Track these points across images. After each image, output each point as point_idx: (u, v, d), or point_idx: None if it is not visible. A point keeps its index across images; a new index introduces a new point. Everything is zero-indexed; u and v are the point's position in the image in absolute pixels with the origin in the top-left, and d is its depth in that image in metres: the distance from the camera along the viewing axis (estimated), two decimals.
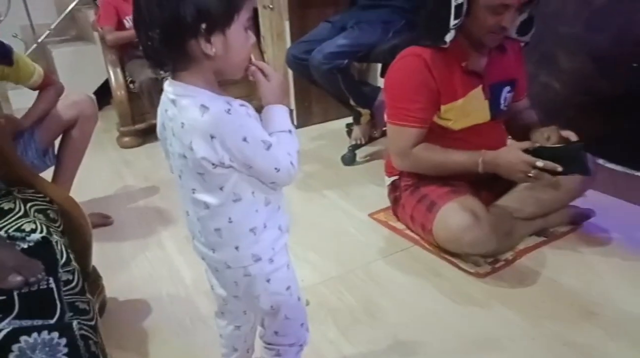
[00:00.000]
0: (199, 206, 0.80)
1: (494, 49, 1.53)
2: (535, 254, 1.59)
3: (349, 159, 2.38)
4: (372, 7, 2.23)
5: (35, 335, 0.64)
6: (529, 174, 1.34)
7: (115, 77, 2.76)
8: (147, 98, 2.62)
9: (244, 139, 0.72)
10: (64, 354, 0.64)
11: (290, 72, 2.71)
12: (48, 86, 1.76)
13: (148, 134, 2.86)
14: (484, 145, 1.50)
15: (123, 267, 1.67)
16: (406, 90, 1.53)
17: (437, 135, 1.55)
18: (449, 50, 1.48)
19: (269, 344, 0.95)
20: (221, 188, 0.77)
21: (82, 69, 3.37)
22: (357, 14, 2.25)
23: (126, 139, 2.83)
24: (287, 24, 2.67)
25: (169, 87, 0.76)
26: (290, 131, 0.80)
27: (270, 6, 2.72)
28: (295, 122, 2.92)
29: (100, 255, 1.48)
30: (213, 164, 0.73)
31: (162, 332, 1.35)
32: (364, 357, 1.23)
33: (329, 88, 2.25)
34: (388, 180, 1.76)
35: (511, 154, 1.38)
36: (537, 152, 1.35)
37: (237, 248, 0.81)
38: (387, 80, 1.61)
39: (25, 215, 1.06)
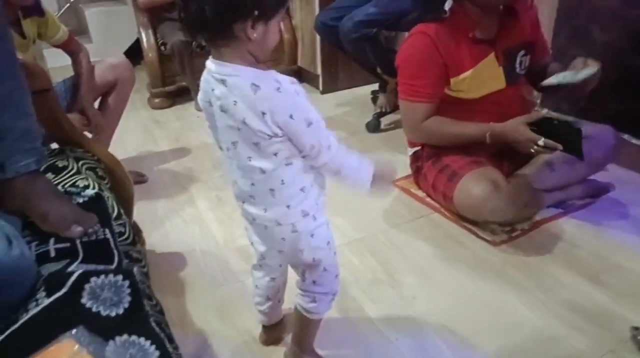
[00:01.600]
0: (254, 172, 0.87)
1: (506, 13, 1.54)
2: (552, 225, 1.64)
3: (374, 126, 2.43)
4: None
5: (102, 277, 0.74)
6: (531, 150, 1.44)
7: (147, 39, 2.82)
8: (178, 60, 2.68)
9: (290, 116, 0.80)
10: (128, 294, 0.74)
11: (317, 38, 2.73)
12: (72, 47, 1.81)
13: (178, 96, 2.95)
14: (503, 114, 1.55)
15: (157, 223, 1.78)
16: (413, 67, 1.60)
17: (455, 106, 1.60)
18: (456, 21, 1.52)
19: (306, 291, 1.05)
20: (275, 154, 0.85)
21: (114, 29, 3.45)
22: None
23: (157, 100, 2.92)
24: None
25: (215, 67, 0.82)
26: (357, 167, 0.93)
27: None
28: (321, 88, 2.96)
29: (136, 211, 1.57)
30: (268, 136, 0.81)
31: (196, 283, 1.47)
32: (383, 314, 1.33)
33: (357, 56, 2.28)
34: (410, 151, 1.82)
35: (517, 129, 1.47)
36: (541, 126, 1.43)
37: (288, 206, 0.90)
38: (397, 58, 1.67)
39: (78, 172, 1.15)
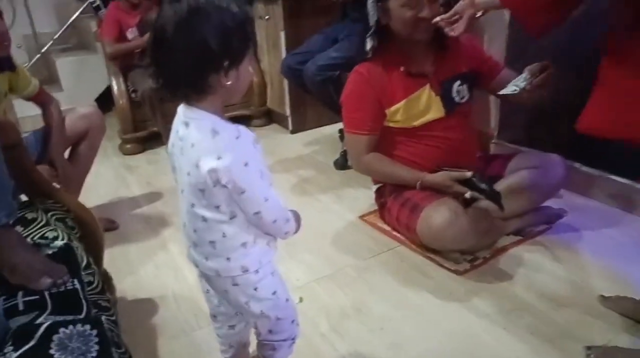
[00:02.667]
0: (197, 219, 0.89)
1: (438, 47, 1.68)
2: (511, 252, 1.72)
3: (341, 164, 2.50)
4: (362, 20, 2.35)
5: (71, 327, 0.77)
6: (457, 198, 1.64)
7: (118, 86, 2.88)
8: (149, 106, 2.74)
9: (245, 164, 0.81)
10: (96, 343, 0.77)
11: (285, 81, 2.84)
12: (43, 99, 1.83)
13: (149, 141, 2.98)
14: (449, 141, 1.72)
15: (130, 269, 1.79)
16: (352, 102, 1.78)
17: (402, 136, 1.75)
18: (388, 58, 1.69)
19: (264, 341, 1.05)
20: (217, 207, 0.86)
21: (84, 77, 3.50)
22: (348, 26, 2.37)
23: (128, 145, 2.95)
24: (282, 34, 2.79)
25: (183, 110, 0.86)
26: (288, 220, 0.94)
27: (267, 17, 2.85)
28: (290, 128, 3.05)
29: (108, 258, 1.58)
30: (213, 182, 0.81)
31: (169, 328, 1.48)
32: (352, 349, 1.36)
33: (321, 97, 2.38)
34: (374, 187, 1.91)
35: (445, 183, 1.65)
36: (467, 184, 1.62)
37: (228, 259, 0.90)
38: (341, 96, 1.82)
39: (47, 224, 1.18)
